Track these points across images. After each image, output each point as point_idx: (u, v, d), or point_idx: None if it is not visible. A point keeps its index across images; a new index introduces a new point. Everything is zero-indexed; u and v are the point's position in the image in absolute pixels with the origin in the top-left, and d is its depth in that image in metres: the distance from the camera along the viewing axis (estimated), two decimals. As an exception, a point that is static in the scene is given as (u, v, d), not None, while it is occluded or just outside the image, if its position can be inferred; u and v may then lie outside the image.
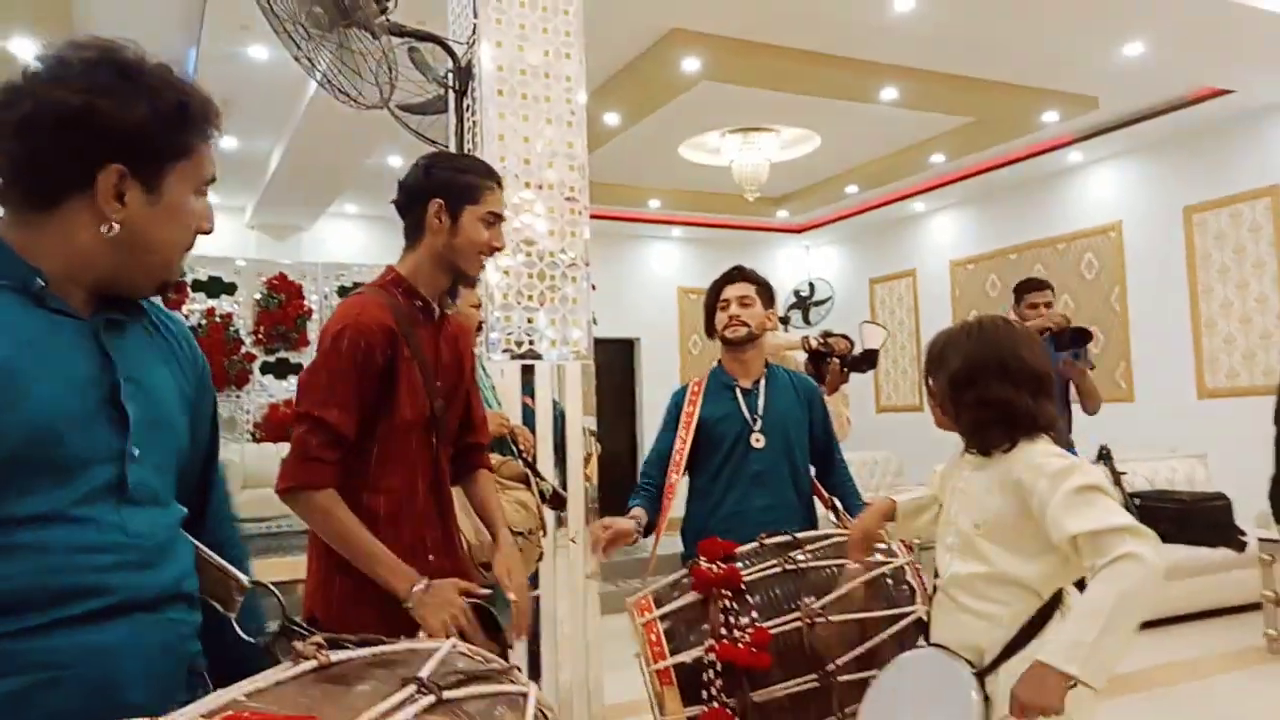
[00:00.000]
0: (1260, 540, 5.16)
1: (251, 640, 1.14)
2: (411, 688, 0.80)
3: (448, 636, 1.62)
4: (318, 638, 0.88)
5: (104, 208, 1.05)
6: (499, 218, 2.00)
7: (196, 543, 1.18)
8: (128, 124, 1.04)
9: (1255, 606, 5.20)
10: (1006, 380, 1.82)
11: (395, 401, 1.86)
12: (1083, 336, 4.83)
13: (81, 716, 0.83)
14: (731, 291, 2.88)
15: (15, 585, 0.97)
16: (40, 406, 1.00)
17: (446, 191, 1.94)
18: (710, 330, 2.95)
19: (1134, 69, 6.05)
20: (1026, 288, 4.89)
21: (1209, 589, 5.62)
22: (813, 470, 2.94)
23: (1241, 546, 5.65)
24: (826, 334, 5.60)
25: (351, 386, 1.80)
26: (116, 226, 1.06)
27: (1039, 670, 1.61)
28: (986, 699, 1.72)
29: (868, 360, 5.55)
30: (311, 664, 0.84)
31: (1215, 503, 5.91)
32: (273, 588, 1.16)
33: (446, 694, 0.82)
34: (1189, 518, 5.77)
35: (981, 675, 1.76)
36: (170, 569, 1.10)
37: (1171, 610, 5.46)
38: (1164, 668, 4.66)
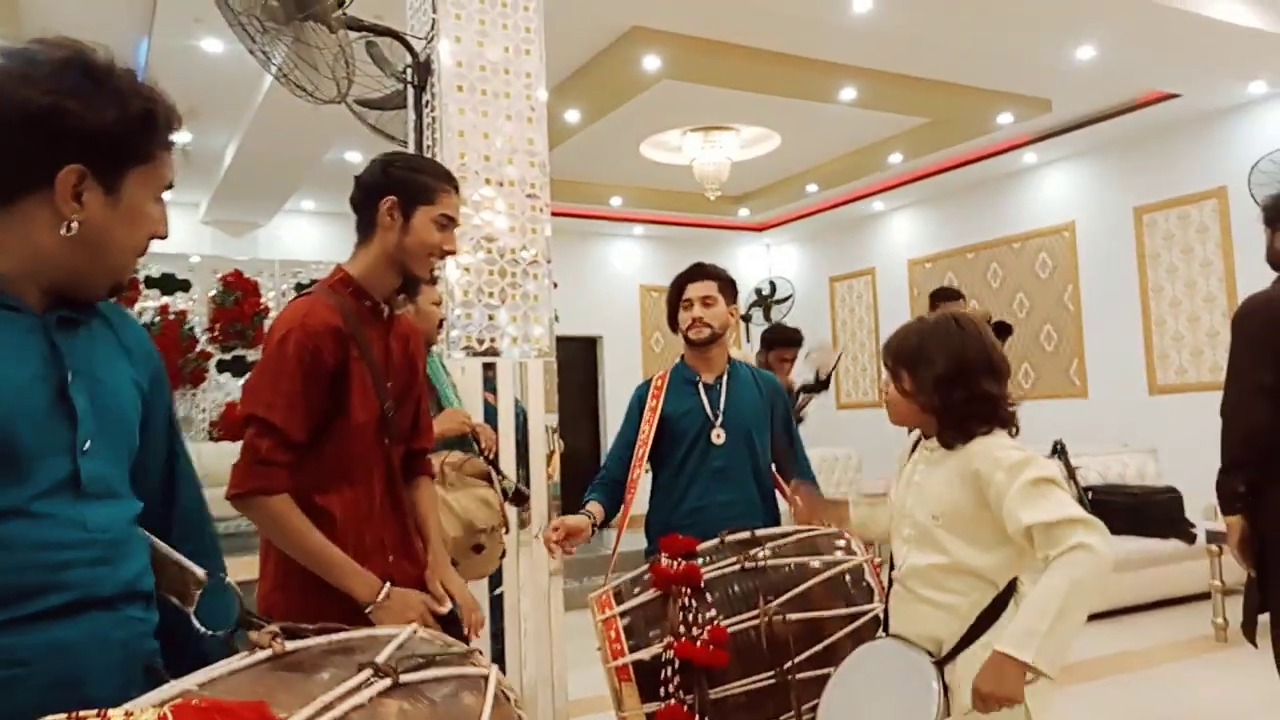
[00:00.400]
0: (1209, 532, 5.28)
1: (211, 634, 1.14)
2: (368, 672, 0.80)
3: None
4: (274, 627, 0.88)
5: (61, 207, 1.05)
6: (452, 221, 1.98)
7: (153, 538, 1.17)
8: (93, 127, 1.04)
9: (1204, 596, 5.32)
10: (992, 376, 1.86)
11: (348, 403, 1.84)
12: (1004, 330, 5.03)
13: (43, 713, 0.82)
14: (694, 290, 2.87)
15: None
16: None
17: (401, 189, 1.92)
18: (674, 325, 2.95)
19: (1086, 72, 6.18)
20: (943, 296, 5.19)
21: (1159, 580, 5.75)
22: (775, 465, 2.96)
23: (1191, 538, 5.79)
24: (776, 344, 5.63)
25: (298, 389, 1.77)
26: (75, 226, 1.06)
27: (997, 660, 1.65)
28: (945, 688, 1.75)
29: (820, 385, 5.61)
30: (266, 653, 0.83)
31: (1166, 496, 6.05)
32: (231, 582, 1.15)
33: (404, 677, 0.82)
34: (1140, 511, 5.90)
35: (940, 664, 1.79)
36: (128, 565, 1.10)
37: (1123, 601, 5.58)
38: (1116, 657, 4.76)
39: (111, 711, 0.68)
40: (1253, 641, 2.79)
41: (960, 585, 1.83)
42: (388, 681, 0.79)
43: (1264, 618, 2.67)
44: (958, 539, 1.83)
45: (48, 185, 1.04)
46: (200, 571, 1.16)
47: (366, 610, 1.72)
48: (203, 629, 1.13)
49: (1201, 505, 5.87)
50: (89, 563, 1.04)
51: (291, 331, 1.80)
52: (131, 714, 0.66)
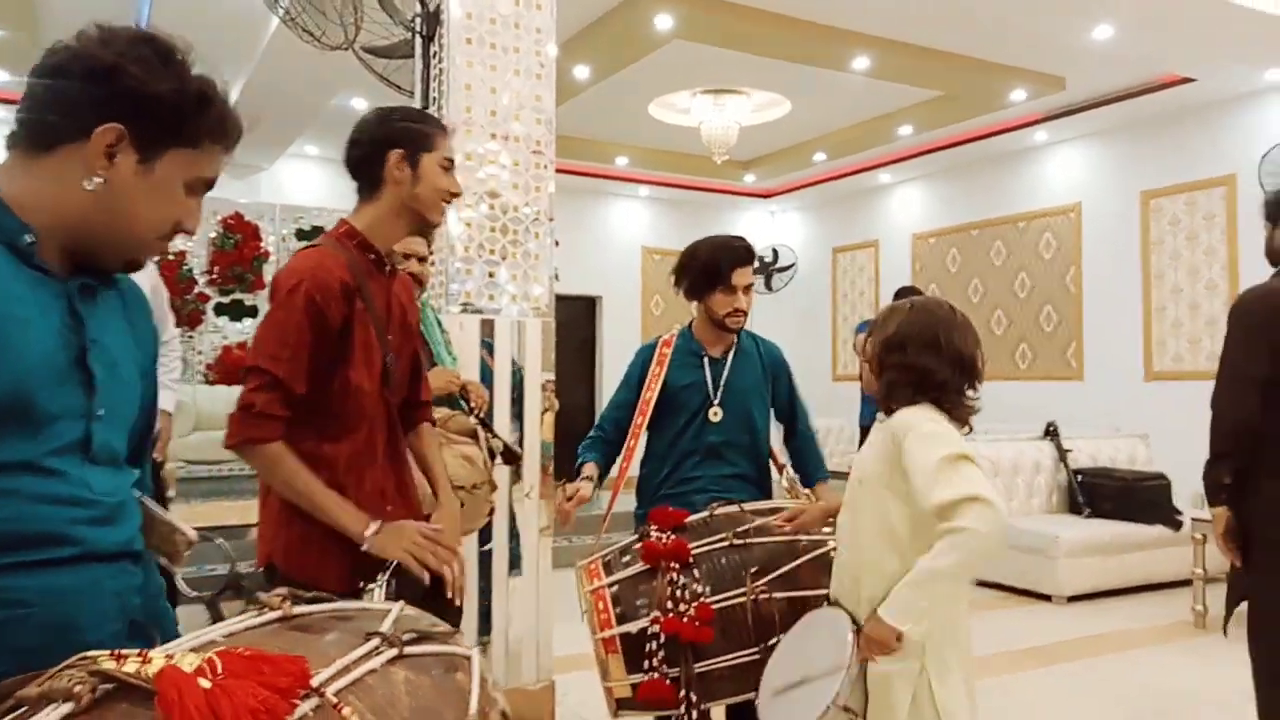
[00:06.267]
0: (1194, 520, 5.33)
1: (195, 595, 1.19)
2: (375, 640, 0.84)
3: (416, 562, 1.77)
4: (282, 590, 0.91)
5: (91, 160, 1.07)
6: (452, 164, 2.03)
7: (146, 498, 1.21)
8: (145, 93, 1.08)
9: (1186, 583, 5.39)
10: (931, 353, 1.91)
11: (351, 355, 1.87)
12: None
13: (43, 654, 0.86)
14: (740, 277, 2.72)
15: None
16: (18, 361, 1.03)
17: (406, 140, 1.95)
18: (697, 291, 2.77)
19: (1102, 51, 6.12)
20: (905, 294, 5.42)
21: (1143, 564, 5.82)
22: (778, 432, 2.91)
23: (1177, 525, 5.85)
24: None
25: (305, 341, 1.80)
26: (98, 181, 1.08)
27: (877, 622, 1.81)
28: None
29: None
30: (276, 614, 0.86)
31: (1154, 482, 6.10)
32: (222, 541, 1.18)
33: (407, 649, 0.85)
34: (1128, 495, 5.95)
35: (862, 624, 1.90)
36: (126, 527, 1.14)
37: (1106, 584, 5.65)
38: (1094, 638, 4.83)
39: (152, 652, 0.71)
40: (1224, 631, 2.84)
41: (879, 548, 1.90)
42: (394, 651, 0.83)
43: (1240, 607, 2.71)
44: (875, 502, 1.92)
45: (85, 138, 1.07)
46: (192, 533, 1.20)
47: (364, 547, 1.77)
48: (189, 591, 1.17)
49: (1190, 493, 5.92)
50: (92, 521, 1.08)
51: (301, 283, 1.82)
52: (172, 656, 0.69)
